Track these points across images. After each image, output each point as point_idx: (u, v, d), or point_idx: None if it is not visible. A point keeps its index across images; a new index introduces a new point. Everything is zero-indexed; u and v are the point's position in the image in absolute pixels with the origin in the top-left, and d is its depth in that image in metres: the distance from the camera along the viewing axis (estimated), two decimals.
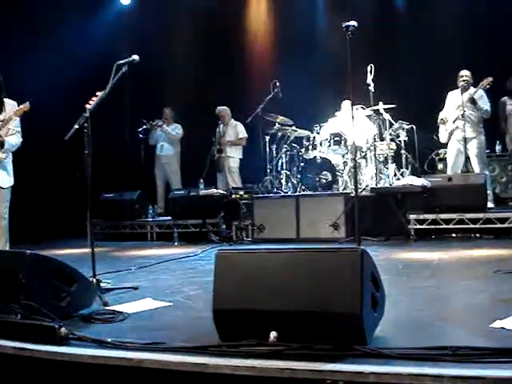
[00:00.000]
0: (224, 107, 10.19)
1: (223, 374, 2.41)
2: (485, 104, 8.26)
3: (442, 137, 8.63)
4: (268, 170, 9.33)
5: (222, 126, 10.16)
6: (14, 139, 5.53)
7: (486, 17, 9.53)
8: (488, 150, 8.97)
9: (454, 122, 8.31)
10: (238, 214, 8.58)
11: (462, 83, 8.27)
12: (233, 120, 10.22)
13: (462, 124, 8.16)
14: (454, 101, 8.41)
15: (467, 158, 8.34)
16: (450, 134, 8.43)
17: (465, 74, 8.37)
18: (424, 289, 4.15)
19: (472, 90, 8.31)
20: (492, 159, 9.34)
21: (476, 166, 8.24)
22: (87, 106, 4.46)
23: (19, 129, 5.58)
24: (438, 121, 8.62)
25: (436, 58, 9.60)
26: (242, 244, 8.09)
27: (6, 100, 5.54)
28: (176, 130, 10.63)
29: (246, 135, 10.13)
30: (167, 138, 10.60)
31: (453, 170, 8.40)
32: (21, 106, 5.45)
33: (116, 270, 5.61)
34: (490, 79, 8.04)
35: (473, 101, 8.18)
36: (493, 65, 8.91)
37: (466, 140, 8.17)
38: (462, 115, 8.13)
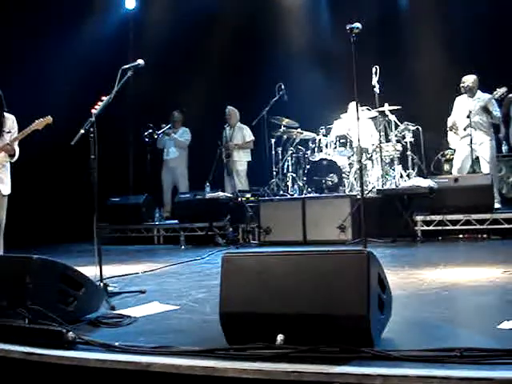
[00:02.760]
0: (233, 108, 10.19)
1: (231, 377, 2.41)
2: (496, 111, 8.25)
3: (452, 142, 8.64)
4: (274, 173, 9.34)
5: (228, 129, 10.17)
6: (17, 150, 5.67)
7: (493, 17, 9.50)
8: None
9: (465, 129, 8.28)
10: (245, 216, 8.59)
11: (464, 89, 8.32)
12: (239, 123, 10.23)
13: (473, 131, 8.16)
14: (463, 107, 8.38)
15: (474, 161, 8.33)
16: (461, 138, 8.42)
17: (466, 79, 8.38)
18: (431, 290, 4.14)
19: (480, 94, 8.31)
20: (498, 160, 9.29)
21: (487, 171, 8.20)
22: (93, 111, 4.48)
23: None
24: (448, 127, 8.60)
25: (441, 59, 9.59)
26: (248, 247, 8.09)
27: (6, 114, 5.66)
28: (184, 135, 10.64)
29: (253, 138, 10.14)
30: (175, 142, 10.61)
31: (459, 172, 8.38)
32: (41, 120, 5.55)
33: (123, 274, 5.63)
34: (504, 89, 8.00)
35: (486, 109, 8.16)
36: (499, 66, 8.90)
37: (477, 145, 8.21)
38: (472, 122, 8.14)
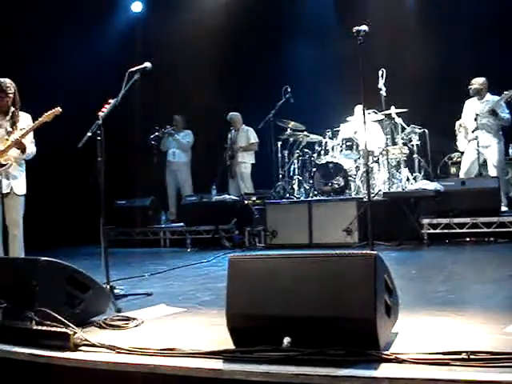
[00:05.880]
0: (235, 113, 10.23)
1: (237, 379, 2.42)
2: (504, 113, 8.19)
3: (461, 145, 8.60)
4: (280, 176, 9.34)
5: (233, 131, 10.19)
6: (32, 148, 5.64)
7: (503, 18, 9.44)
8: None
9: (474, 131, 8.24)
10: (251, 219, 8.58)
11: (472, 91, 8.30)
12: (244, 126, 10.25)
13: (481, 133, 8.13)
14: (472, 109, 8.34)
15: (481, 165, 8.29)
16: (469, 141, 8.39)
17: (475, 81, 8.34)
18: (438, 293, 4.13)
19: (489, 96, 8.27)
20: (506, 163, 9.25)
21: (494, 174, 8.15)
22: (100, 114, 4.49)
23: (33, 139, 5.68)
24: (456, 129, 8.56)
25: (448, 62, 9.56)
26: (254, 250, 8.09)
27: (20, 113, 5.66)
28: (186, 137, 10.64)
29: (258, 140, 10.15)
30: (178, 144, 10.62)
31: (466, 175, 8.35)
32: (50, 112, 5.54)
33: (129, 277, 5.64)
34: None
35: (493, 112, 8.12)
36: (509, 68, 8.85)
37: (484, 148, 8.16)
38: (480, 124, 8.11)
